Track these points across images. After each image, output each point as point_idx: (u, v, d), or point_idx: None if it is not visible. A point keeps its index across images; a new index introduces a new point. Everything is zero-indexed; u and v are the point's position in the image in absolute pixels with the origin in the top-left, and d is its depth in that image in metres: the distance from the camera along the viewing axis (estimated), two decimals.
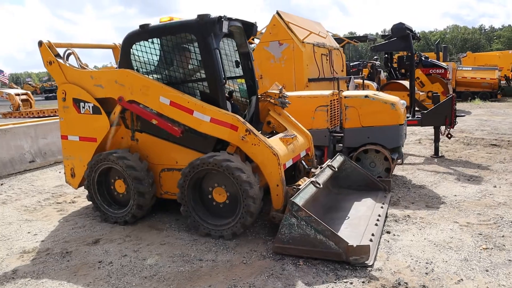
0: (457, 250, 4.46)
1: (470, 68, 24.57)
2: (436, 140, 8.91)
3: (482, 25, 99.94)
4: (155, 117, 5.31)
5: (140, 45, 5.52)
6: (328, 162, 5.75)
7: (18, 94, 28.64)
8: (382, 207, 5.47)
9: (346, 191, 6.02)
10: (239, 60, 5.98)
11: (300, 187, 4.80)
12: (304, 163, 5.93)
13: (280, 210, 4.83)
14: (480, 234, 4.83)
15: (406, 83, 14.96)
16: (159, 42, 5.49)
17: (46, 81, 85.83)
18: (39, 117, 24.10)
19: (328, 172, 5.51)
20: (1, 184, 8.48)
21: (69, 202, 7.07)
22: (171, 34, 5.36)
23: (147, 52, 5.52)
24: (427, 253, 4.40)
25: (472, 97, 23.24)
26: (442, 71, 18.65)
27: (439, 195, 6.32)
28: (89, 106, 5.78)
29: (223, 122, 4.95)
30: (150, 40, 5.48)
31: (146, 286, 4.03)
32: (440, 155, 8.96)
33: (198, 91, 5.31)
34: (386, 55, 18.00)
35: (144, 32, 5.43)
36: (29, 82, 74.34)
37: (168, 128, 5.24)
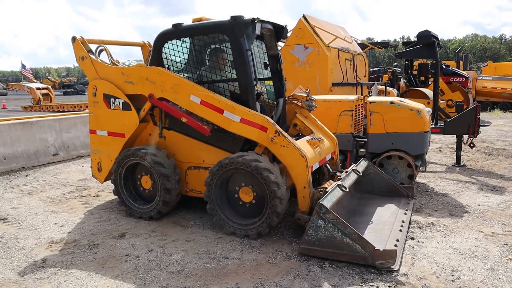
0: (483, 259, 4.44)
1: (491, 78, 24.25)
2: (458, 149, 8.85)
3: (502, 34, 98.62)
4: (184, 115, 5.39)
5: (172, 44, 5.61)
6: (353, 166, 5.78)
7: (39, 88, 29.21)
8: (405, 213, 5.47)
9: (369, 196, 6.03)
10: (267, 62, 6.04)
11: (327, 190, 4.84)
12: (329, 167, 5.96)
13: (306, 212, 4.87)
14: (506, 244, 4.81)
15: (426, 90, 14.83)
16: (191, 42, 5.58)
17: (64, 77, 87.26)
18: (58, 111, 24.49)
19: (353, 177, 5.53)
20: (26, 176, 8.66)
21: (93, 196, 7.19)
22: (204, 34, 5.45)
23: (179, 50, 5.61)
24: (452, 261, 4.40)
25: (492, 107, 22.96)
26: (463, 80, 18.46)
27: (463, 204, 6.30)
28: (119, 102, 5.88)
29: (253, 123, 5.00)
30: (182, 39, 5.57)
31: (173, 281, 4.10)
32: (461, 164, 8.90)
33: (228, 91, 5.37)
34: (407, 62, 17.85)
35: (177, 31, 5.52)
36: (48, 77, 75.44)
37: (197, 126, 5.31)
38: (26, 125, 9.72)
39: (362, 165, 6.04)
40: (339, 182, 5.05)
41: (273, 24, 5.74)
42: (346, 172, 5.57)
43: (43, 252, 4.88)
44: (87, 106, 23.65)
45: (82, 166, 9.59)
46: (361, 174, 5.74)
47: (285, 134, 4.99)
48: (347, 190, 5.06)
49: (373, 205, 5.73)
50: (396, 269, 4.15)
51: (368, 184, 6.16)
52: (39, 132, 9.95)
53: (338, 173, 5.63)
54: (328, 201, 4.47)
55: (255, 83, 5.25)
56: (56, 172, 9.03)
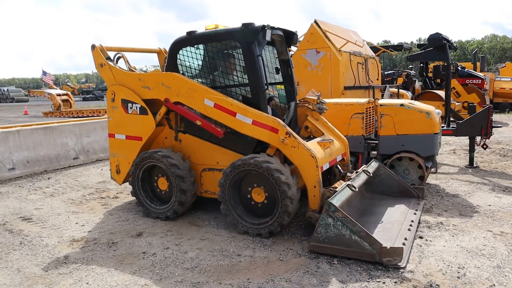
0: (490, 257, 4.53)
1: (509, 79, 23.96)
2: (471, 150, 8.88)
3: None
4: (199, 118, 5.61)
5: (186, 51, 5.84)
6: (363, 167, 5.91)
7: (59, 95, 29.91)
8: (415, 213, 5.58)
9: (380, 197, 6.15)
10: (279, 67, 6.22)
11: (336, 189, 4.99)
12: (340, 168, 6.10)
13: (316, 211, 5.02)
14: None
15: (441, 93, 14.83)
16: (204, 48, 5.80)
17: (83, 83, 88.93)
18: (78, 117, 25.04)
19: (363, 177, 5.66)
20: (48, 178, 8.99)
21: (112, 197, 7.46)
22: (217, 41, 5.66)
23: (193, 57, 5.84)
24: (459, 259, 4.50)
25: (510, 108, 22.68)
26: (479, 82, 18.36)
27: (473, 204, 6.37)
28: (136, 107, 6.13)
29: (264, 125, 5.19)
30: (196, 46, 5.80)
31: (188, 276, 4.30)
32: (475, 165, 8.92)
33: (240, 95, 5.57)
34: (422, 65, 17.88)
35: (191, 39, 5.75)
36: (68, 83, 76.93)
37: (211, 129, 5.52)
38: (48, 130, 10.09)
39: (372, 166, 6.16)
40: (348, 182, 5.19)
41: (284, 30, 5.92)
42: (357, 172, 5.71)
43: (65, 249, 5.14)
44: (105, 112, 24.07)
45: (101, 169, 9.90)
46: (371, 174, 5.87)
47: (296, 135, 5.16)
48: (357, 189, 5.20)
49: (384, 205, 5.85)
50: (402, 266, 4.27)
51: (379, 185, 6.28)
52: (60, 136, 10.31)
53: (348, 174, 5.77)
54: (337, 200, 4.62)
55: (266, 87, 5.43)
56: (77, 175, 9.34)
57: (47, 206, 6.98)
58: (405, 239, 4.75)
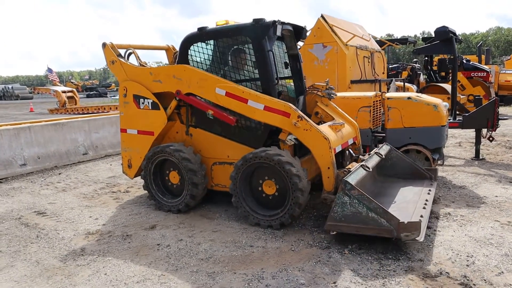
0: (498, 246, 4.62)
1: None
2: (477, 142, 8.95)
3: None
4: (211, 108, 5.70)
5: (197, 46, 5.93)
6: (375, 149, 5.95)
7: (64, 92, 30.07)
8: (429, 193, 5.57)
9: (392, 179, 6.14)
10: (288, 61, 6.30)
11: (350, 170, 5.06)
12: (351, 151, 6.17)
13: (331, 192, 5.10)
14: None
15: (446, 86, 14.86)
16: (215, 44, 5.89)
17: (87, 80, 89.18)
18: (83, 113, 25.19)
19: (376, 159, 5.69)
20: (59, 174, 9.13)
21: (123, 192, 7.58)
22: (227, 37, 5.75)
23: (204, 52, 5.93)
24: (468, 248, 4.59)
25: None
26: (484, 74, 18.35)
27: (480, 196, 6.45)
28: (148, 102, 6.23)
29: (276, 110, 5.26)
30: (207, 41, 5.89)
31: (203, 266, 4.41)
32: (481, 157, 9.00)
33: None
34: (426, 58, 17.88)
35: (202, 34, 5.85)
36: (72, 80, 77.11)
37: (223, 117, 5.61)
38: (58, 126, 10.23)
39: (384, 149, 6.17)
40: (362, 163, 5.25)
41: (293, 25, 6.01)
42: (369, 154, 5.77)
43: (81, 242, 5.27)
44: (110, 108, 24.06)
45: (111, 165, 10.02)
46: (383, 156, 5.88)
47: (307, 118, 5.23)
48: (370, 170, 5.23)
49: (397, 187, 5.86)
50: (421, 240, 4.30)
51: (391, 168, 6.27)
52: (70, 132, 10.45)
53: (361, 156, 5.85)
54: (352, 179, 4.67)
55: (276, 82, 5.52)
56: (87, 170, 9.48)
57: (60, 201, 7.11)
58: (421, 216, 4.73)
